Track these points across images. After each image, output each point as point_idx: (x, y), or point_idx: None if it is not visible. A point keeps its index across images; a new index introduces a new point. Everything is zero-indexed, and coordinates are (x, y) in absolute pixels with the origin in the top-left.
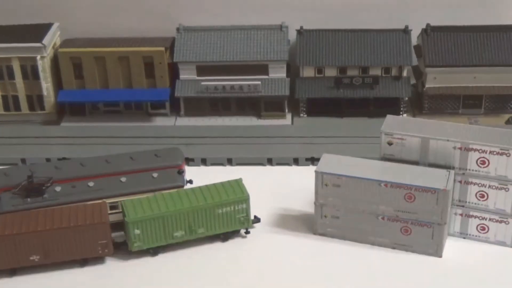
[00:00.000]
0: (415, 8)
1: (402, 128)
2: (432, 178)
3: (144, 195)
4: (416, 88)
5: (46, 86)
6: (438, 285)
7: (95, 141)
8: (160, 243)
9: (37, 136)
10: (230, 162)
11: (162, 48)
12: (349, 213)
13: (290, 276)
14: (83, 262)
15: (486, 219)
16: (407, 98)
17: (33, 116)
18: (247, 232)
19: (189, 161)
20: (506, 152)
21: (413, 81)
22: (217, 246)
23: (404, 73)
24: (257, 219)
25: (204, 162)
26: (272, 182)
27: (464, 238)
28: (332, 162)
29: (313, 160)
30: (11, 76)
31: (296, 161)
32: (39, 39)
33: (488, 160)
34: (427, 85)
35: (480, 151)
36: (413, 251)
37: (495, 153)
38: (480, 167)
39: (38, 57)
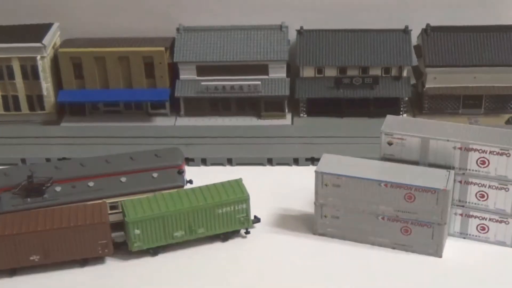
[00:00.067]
0: (415, 8)
1: (402, 128)
2: (432, 178)
3: (144, 195)
4: (416, 88)
5: (46, 86)
6: (438, 285)
7: (95, 141)
8: (160, 243)
9: (37, 136)
10: (230, 162)
11: (162, 48)
12: (349, 213)
13: (290, 276)
14: (83, 262)
15: (486, 219)
16: (407, 98)
17: (33, 116)
18: (247, 232)
19: (189, 161)
20: (506, 152)
21: (413, 81)
22: (217, 246)
23: (404, 73)
24: (257, 219)
25: (204, 162)
26: (272, 182)
27: (464, 238)
28: (332, 162)
29: (313, 160)
30: (11, 76)
31: (296, 161)
32: (39, 39)
33: (488, 160)
34: (427, 85)
35: (480, 151)
36: (413, 251)
37: (495, 153)
38: (480, 167)
39: (38, 57)
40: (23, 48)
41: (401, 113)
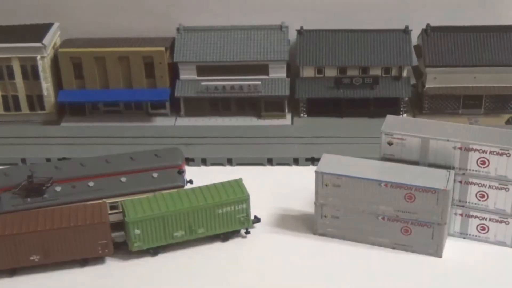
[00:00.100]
0: (415, 8)
1: (402, 128)
2: (432, 178)
3: (144, 195)
4: (416, 88)
5: (46, 86)
6: (438, 285)
7: (95, 141)
8: (160, 243)
9: (37, 136)
10: (230, 162)
11: (162, 48)
12: (349, 213)
13: (290, 276)
14: (83, 262)
15: (486, 219)
16: (407, 98)
17: (33, 116)
18: (247, 232)
19: (189, 161)
20: (506, 152)
21: (413, 81)
22: (217, 246)
23: (404, 73)
24: (257, 219)
25: (204, 162)
26: (272, 182)
27: (464, 238)
28: (332, 162)
29: (313, 160)
30: (11, 76)
31: (296, 161)
32: (39, 39)
33: (488, 160)
34: (427, 85)
35: (480, 151)
36: (413, 251)
37: (495, 153)
38: (480, 167)
39: (38, 57)
40: (23, 48)
41: (401, 113)
